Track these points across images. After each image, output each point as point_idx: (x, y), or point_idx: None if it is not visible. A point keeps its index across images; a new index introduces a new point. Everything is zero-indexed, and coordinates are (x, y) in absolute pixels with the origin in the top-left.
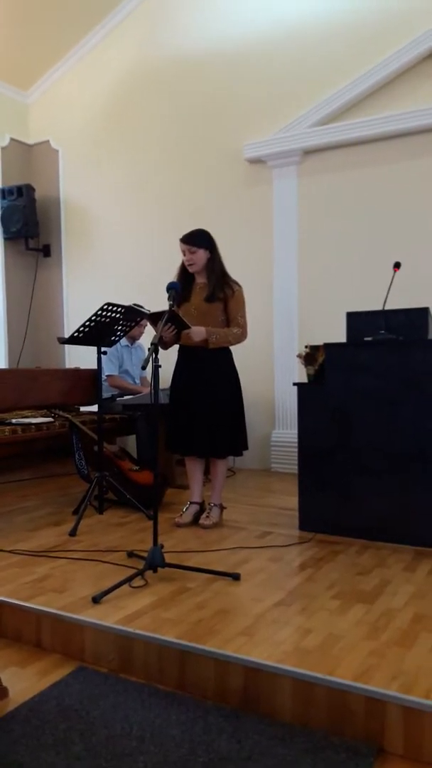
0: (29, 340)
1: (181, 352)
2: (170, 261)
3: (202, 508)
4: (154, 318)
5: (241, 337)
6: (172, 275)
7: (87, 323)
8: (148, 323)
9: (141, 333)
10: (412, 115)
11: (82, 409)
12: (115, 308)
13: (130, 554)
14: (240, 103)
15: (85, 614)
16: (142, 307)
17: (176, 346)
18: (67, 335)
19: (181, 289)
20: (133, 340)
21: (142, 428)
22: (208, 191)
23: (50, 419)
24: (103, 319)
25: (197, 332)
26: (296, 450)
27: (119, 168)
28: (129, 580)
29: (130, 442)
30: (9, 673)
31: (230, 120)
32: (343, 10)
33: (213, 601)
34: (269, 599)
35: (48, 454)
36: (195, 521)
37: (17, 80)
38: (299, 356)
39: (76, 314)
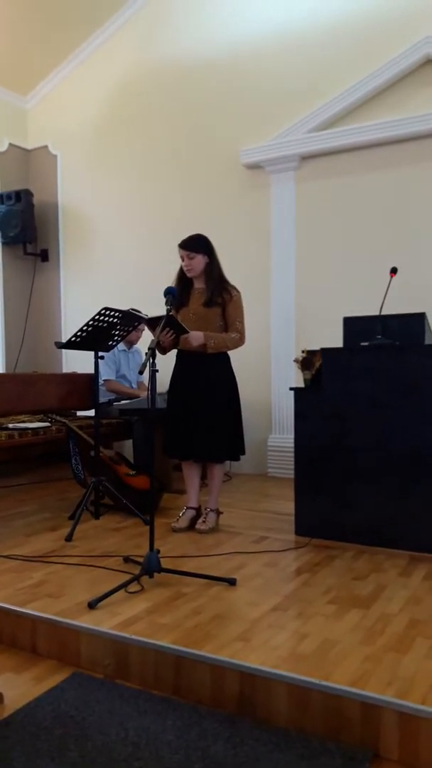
0: (26, 345)
1: (179, 357)
2: (168, 266)
3: (198, 513)
4: (152, 323)
5: (239, 342)
6: (170, 280)
7: (84, 328)
8: (146, 328)
9: (138, 338)
10: (409, 121)
11: (79, 413)
12: (112, 313)
13: (126, 559)
14: (238, 109)
15: (81, 620)
16: (139, 311)
17: (174, 351)
18: (64, 340)
19: (179, 293)
20: (131, 344)
21: (138, 433)
22: (206, 196)
23: (47, 424)
24: (100, 324)
25: (195, 337)
26: (293, 455)
27: (117, 173)
28: (125, 585)
29: (127, 447)
30: (4, 679)
31: (228, 125)
32: (340, 17)
33: (209, 606)
34: (265, 604)
35: (45, 458)
36: (191, 526)
37: (16, 85)
38: (296, 361)
39: (73, 319)
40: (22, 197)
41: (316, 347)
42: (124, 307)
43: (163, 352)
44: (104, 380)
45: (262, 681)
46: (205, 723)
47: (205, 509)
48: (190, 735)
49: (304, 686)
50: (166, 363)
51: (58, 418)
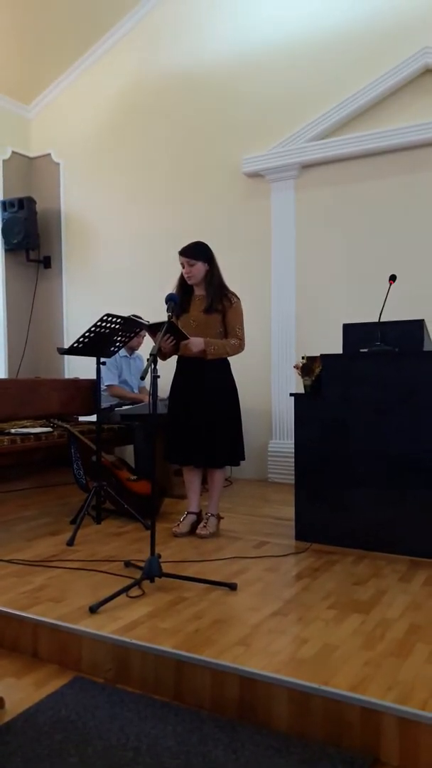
0: (29, 351)
1: (180, 363)
2: (169, 273)
3: (199, 517)
4: (153, 329)
5: (239, 348)
6: (171, 287)
7: (87, 334)
8: (147, 334)
9: (140, 343)
10: (409, 130)
11: (81, 419)
12: (114, 319)
13: (128, 564)
14: (239, 118)
15: (82, 624)
16: (141, 318)
17: (175, 357)
18: (66, 346)
19: (180, 300)
20: (132, 350)
21: (140, 438)
22: (207, 204)
23: (49, 429)
24: (102, 330)
25: (195, 343)
26: (293, 460)
27: (119, 181)
28: (126, 590)
29: (128, 452)
30: (5, 683)
31: (229, 134)
32: (340, 27)
33: (210, 610)
34: (266, 609)
35: (47, 463)
36: (192, 531)
37: (19, 94)
38: (296, 367)
39: (75, 325)
40: (25, 205)
41: (316, 353)
42: (125, 314)
43: (164, 358)
44: (107, 385)
45: (262, 686)
46: (205, 728)
47: (206, 514)
48: (191, 740)
49: (304, 691)
50: (168, 369)
51: (60, 423)
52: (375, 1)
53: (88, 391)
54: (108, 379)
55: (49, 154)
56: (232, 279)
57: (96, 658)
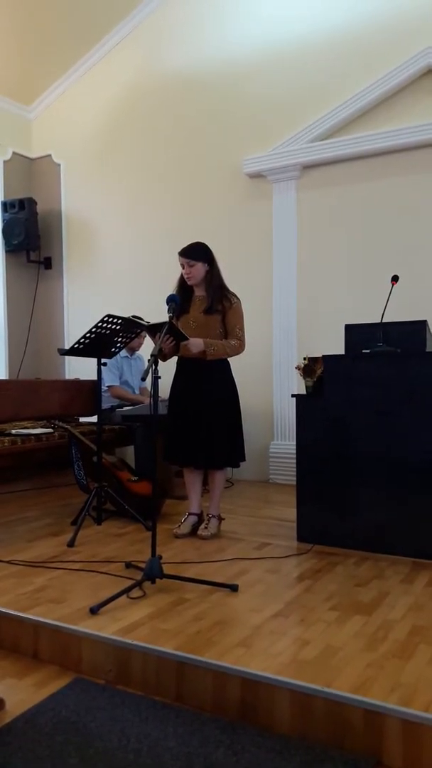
0: (30, 352)
1: (180, 364)
2: (170, 274)
3: (200, 519)
4: (153, 330)
5: (239, 348)
6: (171, 288)
7: (87, 335)
8: (147, 335)
9: (140, 344)
10: (410, 130)
11: (82, 419)
12: (115, 320)
13: (128, 565)
14: (240, 119)
15: (83, 625)
16: (141, 318)
17: (175, 358)
18: (67, 347)
19: (180, 301)
20: (133, 351)
21: (140, 439)
22: (209, 205)
23: (50, 430)
24: (103, 331)
25: (195, 344)
26: (294, 461)
27: (120, 182)
28: (127, 591)
29: (129, 453)
30: (5, 684)
31: (230, 135)
32: (342, 28)
33: (211, 612)
34: (267, 610)
35: (47, 464)
36: (193, 532)
37: (20, 95)
38: (298, 368)
39: (76, 326)
40: (25, 205)
41: (318, 354)
42: (126, 315)
43: (164, 358)
44: (108, 386)
45: (264, 687)
46: (206, 730)
47: (207, 515)
48: (192, 742)
49: (306, 693)
50: (169, 370)
51: (60, 424)
52: (376, 1)
53: (88, 392)
54: (109, 379)
55: (49, 155)
56: (233, 280)
57: (97, 659)
